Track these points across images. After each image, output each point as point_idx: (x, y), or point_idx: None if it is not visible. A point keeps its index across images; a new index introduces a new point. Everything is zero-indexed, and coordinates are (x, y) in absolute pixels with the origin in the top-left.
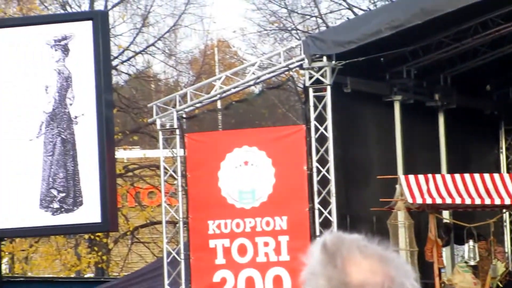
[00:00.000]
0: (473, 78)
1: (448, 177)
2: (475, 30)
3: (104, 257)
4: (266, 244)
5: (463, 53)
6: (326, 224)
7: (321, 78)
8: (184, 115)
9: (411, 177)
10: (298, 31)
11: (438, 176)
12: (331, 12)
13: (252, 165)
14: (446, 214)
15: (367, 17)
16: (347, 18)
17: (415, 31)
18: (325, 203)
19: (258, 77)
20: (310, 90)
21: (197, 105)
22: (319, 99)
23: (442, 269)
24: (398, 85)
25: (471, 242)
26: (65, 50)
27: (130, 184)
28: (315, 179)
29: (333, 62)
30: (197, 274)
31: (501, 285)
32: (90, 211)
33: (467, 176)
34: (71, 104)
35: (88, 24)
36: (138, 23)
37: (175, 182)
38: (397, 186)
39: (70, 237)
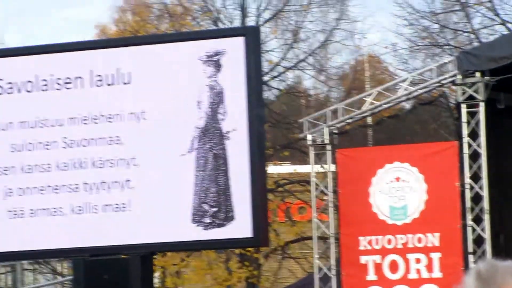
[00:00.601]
0: None
1: None
2: None
3: (255, 272)
4: (418, 260)
5: None
6: (479, 241)
7: (474, 94)
8: (335, 131)
9: None
10: (450, 47)
11: None
12: (484, 27)
13: (404, 181)
14: None
15: None
16: (501, 33)
17: None
18: (478, 220)
19: (410, 93)
20: (463, 106)
21: (348, 120)
22: (472, 115)
23: None
24: None
25: None
26: (217, 65)
27: (281, 199)
28: (468, 195)
29: (487, 77)
30: None
31: None
32: (241, 226)
33: None
34: (223, 119)
35: (240, 40)
36: (289, 39)
37: (326, 197)
38: None
39: (221, 252)
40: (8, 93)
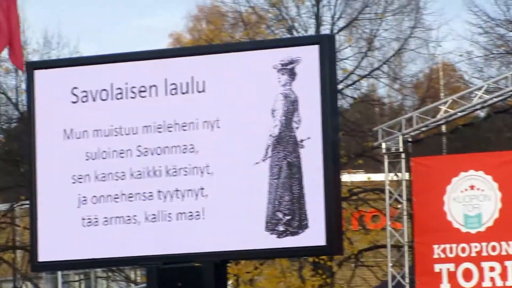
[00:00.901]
0: None
1: None
2: None
3: (328, 280)
4: (492, 269)
5: None
6: None
7: None
8: (409, 139)
9: None
10: None
11: None
12: None
13: (478, 190)
14: None
15: None
16: None
17: None
18: None
19: (485, 101)
20: None
21: (423, 129)
22: None
23: None
24: None
25: None
26: (292, 74)
27: (355, 207)
28: None
29: None
30: None
31: None
32: (315, 234)
33: None
34: (297, 128)
35: (315, 48)
36: (364, 47)
37: (400, 205)
38: None
39: (294, 260)
40: (83, 101)
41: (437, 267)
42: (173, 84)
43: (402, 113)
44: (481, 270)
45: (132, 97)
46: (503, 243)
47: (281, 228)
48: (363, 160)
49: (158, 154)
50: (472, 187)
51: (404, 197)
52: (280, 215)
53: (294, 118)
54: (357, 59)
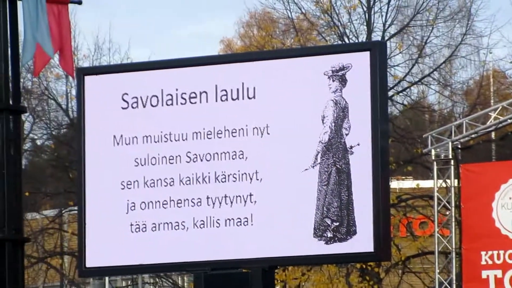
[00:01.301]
0: None
1: None
2: None
3: (376, 286)
4: None
5: None
6: None
7: None
8: (459, 146)
9: None
10: None
11: None
12: None
13: None
14: None
15: None
16: None
17: None
18: None
19: None
20: None
21: (472, 135)
22: None
23: None
24: None
25: None
26: (343, 80)
27: (403, 214)
28: None
29: None
30: None
31: None
32: (363, 240)
33: None
34: (347, 134)
35: (366, 55)
36: (414, 54)
37: (448, 212)
38: None
39: (342, 266)
40: (133, 107)
41: (484, 274)
42: (223, 90)
43: (452, 120)
44: None
45: (182, 103)
46: None
47: (329, 235)
48: (412, 166)
49: (208, 160)
50: None
51: (453, 203)
52: (328, 221)
53: (344, 125)
54: (407, 66)
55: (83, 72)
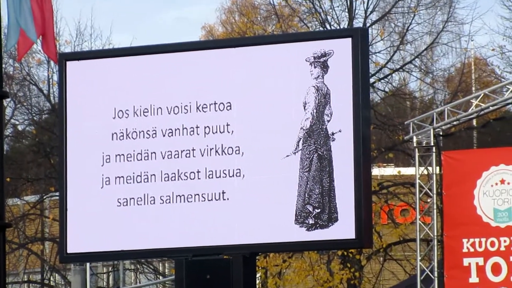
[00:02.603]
0: None
1: None
2: None
3: (357, 274)
4: None
5: None
6: None
7: None
8: (440, 133)
9: None
10: None
11: None
12: None
13: (509, 184)
14: None
15: None
16: None
17: None
18: None
19: None
20: None
21: (454, 123)
22: None
23: None
24: None
25: None
26: (324, 67)
27: (384, 201)
28: None
29: None
30: None
31: None
32: (344, 227)
33: None
34: (328, 121)
35: (348, 41)
36: (396, 41)
37: (429, 199)
38: None
39: (323, 253)
40: (114, 91)
41: (466, 261)
42: (204, 77)
43: (434, 107)
44: (510, 264)
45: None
46: None
47: (310, 221)
48: (393, 153)
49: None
50: (502, 181)
51: (434, 191)
52: (310, 208)
53: (325, 111)
54: (389, 53)
55: (65, 58)
